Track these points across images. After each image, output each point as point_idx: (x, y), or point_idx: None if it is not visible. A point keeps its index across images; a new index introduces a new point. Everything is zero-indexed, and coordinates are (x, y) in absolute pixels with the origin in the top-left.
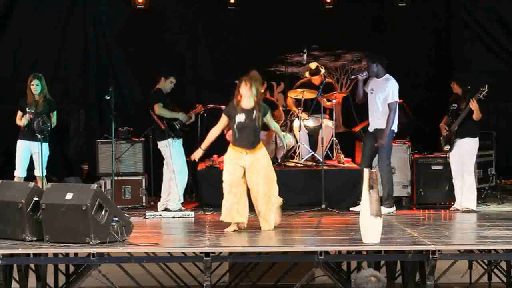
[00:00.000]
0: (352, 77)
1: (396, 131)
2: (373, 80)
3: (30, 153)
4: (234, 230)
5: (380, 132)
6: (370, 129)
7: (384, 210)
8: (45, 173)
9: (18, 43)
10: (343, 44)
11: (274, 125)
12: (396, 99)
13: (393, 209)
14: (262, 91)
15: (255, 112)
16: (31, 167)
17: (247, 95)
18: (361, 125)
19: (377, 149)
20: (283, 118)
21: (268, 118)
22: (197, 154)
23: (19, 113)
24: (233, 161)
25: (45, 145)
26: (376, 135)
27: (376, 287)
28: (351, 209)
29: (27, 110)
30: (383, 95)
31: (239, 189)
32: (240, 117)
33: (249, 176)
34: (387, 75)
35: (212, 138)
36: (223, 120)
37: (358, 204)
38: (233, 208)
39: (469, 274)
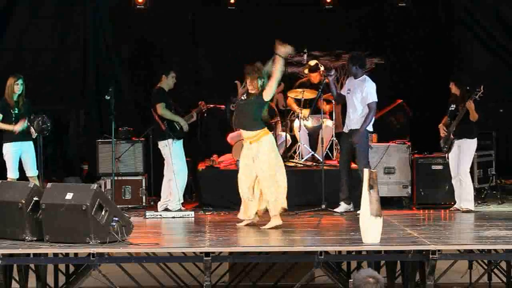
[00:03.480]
0: (325, 80)
1: (371, 130)
2: (350, 81)
3: (20, 153)
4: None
5: (356, 132)
6: (346, 130)
7: (344, 206)
8: (37, 173)
9: (18, 43)
10: (343, 44)
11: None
12: (375, 99)
13: (351, 206)
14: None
15: (254, 96)
16: (20, 168)
17: (253, 90)
18: None
19: (355, 151)
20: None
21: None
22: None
23: None
24: (242, 159)
25: (31, 144)
26: (352, 136)
27: None
28: (335, 210)
29: (12, 112)
30: (361, 95)
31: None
32: (241, 100)
33: (257, 166)
34: (364, 76)
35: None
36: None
37: (339, 205)
38: None
39: (469, 274)
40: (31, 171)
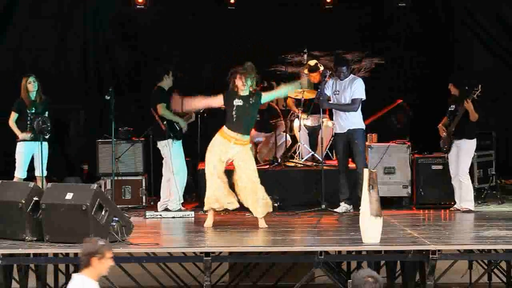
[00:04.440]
0: (326, 79)
1: (365, 128)
2: (337, 82)
3: (31, 154)
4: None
5: (355, 132)
6: (341, 130)
7: (344, 207)
8: (45, 174)
9: (18, 43)
10: (343, 44)
11: (275, 93)
12: (362, 96)
13: (351, 207)
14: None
15: (251, 98)
16: (31, 167)
17: (242, 88)
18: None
19: (352, 150)
20: (281, 120)
21: (265, 96)
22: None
23: (14, 115)
24: (217, 154)
25: (46, 145)
26: (350, 136)
27: None
28: (335, 210)
29: (28, 112)
30: (350, 93)
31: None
32: (238, 102)
33: (238, 167)
34: (352, 75)
35: (197, 103)
36: (219, 97)
37: (339, 205)
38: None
39: (469, 274)
40: (37, 171)
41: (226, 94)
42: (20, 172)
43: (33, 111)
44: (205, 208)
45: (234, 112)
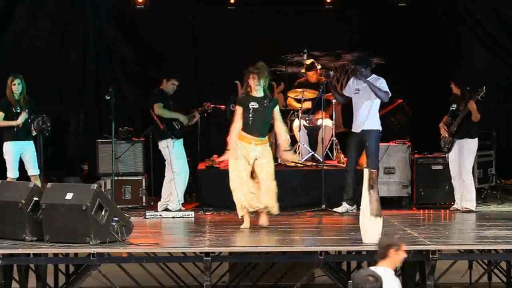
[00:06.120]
0: (329, 79)
1: (381, 130)
2: (357, 81)
3: (20, 153)
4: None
5: (369, 133)
6: (356, 130)
7: (346, 207)
8: (38, 172)
9: (18, 43)
10: (343, 44)
11: (280, 124)
12: (388, 90)
13: (354, 207)
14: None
15: (265, 101)
16: (21, 167)
17: (256, 88)
18: None
19: (363, 150)
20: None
21: (276, 112)
22: (226, 157)
23: (1, 114)
24: (242, 157)
25: (32, 144)
26: (363, 136)
27: (374, 287)
28: (335, 210)
29: (14, 110)
30: (373, 94)
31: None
32: (254, 104)
33: (259, 165)
34: (374, 75)
35: (235, 135)
36: (239, 110)
37: (341, 205)
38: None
39: (469, 274)
40: (33, 170)
41: (241, 98)
42: (12, 172)
43: (18, 110)
44: (240, 214)
45: (250, 115)
